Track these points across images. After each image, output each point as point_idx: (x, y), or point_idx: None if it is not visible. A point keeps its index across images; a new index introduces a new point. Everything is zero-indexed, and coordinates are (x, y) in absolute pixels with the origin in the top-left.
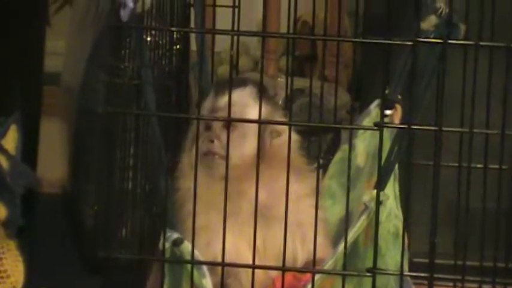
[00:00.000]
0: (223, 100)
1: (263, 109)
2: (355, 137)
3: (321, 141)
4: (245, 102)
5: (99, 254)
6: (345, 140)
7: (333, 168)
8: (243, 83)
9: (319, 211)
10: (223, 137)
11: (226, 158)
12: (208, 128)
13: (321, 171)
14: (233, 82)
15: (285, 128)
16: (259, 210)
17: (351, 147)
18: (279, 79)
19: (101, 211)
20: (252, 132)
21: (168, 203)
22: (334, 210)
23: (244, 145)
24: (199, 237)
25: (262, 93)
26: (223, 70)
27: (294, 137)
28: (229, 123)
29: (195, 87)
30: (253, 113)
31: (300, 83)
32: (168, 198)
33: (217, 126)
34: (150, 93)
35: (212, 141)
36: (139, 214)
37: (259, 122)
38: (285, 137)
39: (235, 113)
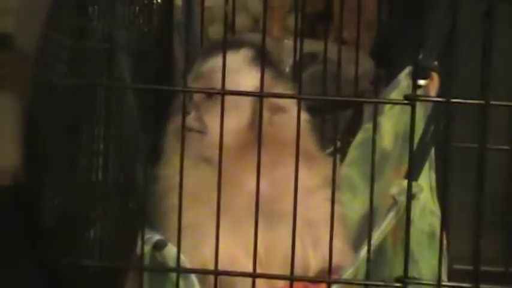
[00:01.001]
0: (208, 65)
1: (251, 76)
2: (380, 114)
3: (337, 120)
4: (235, 68)
5: (62, 260)
6: (368, 117)
7: (352, 153)
8: (236, 44)
9: (335, 206)
10: (204, 107)
11: (221, 139)
12: (190, 98)
13: (338, 156)
14: (225, 44)
15: (292, 103)
16: (260, 205)
17: (376, 127)
18: (285, 41)
19: (63, 207)
20: (242, 104)
21: (147, 197)
22: (354, 206)
23: (231, 119)
24: (186, 239)
25: (263, 58)
26: (215, 30)
27: (303, 115)
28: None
29: (181, 52)
30: (245, 83)
31: (311, 46)
32: (147, 190)
33: (199, 97)
34: (124, 61)
35: (188, 113)
36: (111, 210)
37: (260, 95)
38: (292, 113)
39: (220, 82)
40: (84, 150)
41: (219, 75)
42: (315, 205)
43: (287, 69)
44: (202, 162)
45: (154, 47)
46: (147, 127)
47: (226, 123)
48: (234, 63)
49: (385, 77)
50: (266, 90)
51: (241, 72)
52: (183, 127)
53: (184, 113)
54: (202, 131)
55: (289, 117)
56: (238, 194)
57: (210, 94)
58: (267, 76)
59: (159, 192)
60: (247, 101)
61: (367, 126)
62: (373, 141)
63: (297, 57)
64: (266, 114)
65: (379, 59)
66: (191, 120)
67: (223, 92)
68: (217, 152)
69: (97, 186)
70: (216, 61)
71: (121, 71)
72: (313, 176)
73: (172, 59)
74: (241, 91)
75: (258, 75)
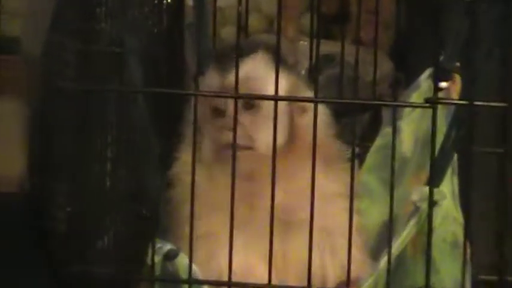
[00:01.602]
0: (233, 75)
1: (284, 82)
2: (400, 118)
3: (355, 124)
4: (261, 74)
5: (73, 267)
6: (386, 121)
7: (371, 158)
8: (252, 47)
9: (354, 215)
10: (246, 121)
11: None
12: (218, 112)
13: (356, 162)
14: (240, 48)
15: (310, 104)
16: (276, 215)
17: (395, 131)
18: (300, 43)
19: (74, 214)
20: (280, 112)
21: (159, 205)
22: (373, 214)
23: (272, 130)
24: (200, 249)
25: (280, 62)
26: (228, 32)
27: (324, 118)
28: (248, 104)
29: (192, 54)
30: (273, 88)
31: (328, 47)
32: (160, 198)
33: (232, 108)
34: (134, 64)
35: (236, 131)
36: (123, 218)
37: (275, 98)
38: (311, 114)
39: (251, 91)
40: (95, 156)
41: (249, 84)
42: (333, 213)
43: (303, 72)
44: (245, 177)
45: (165, 50)
46: (159, 132)
47: (269, 135)
48: (257, 70)
49: (404, 79)
50: (292, 93)
51: (267, 78)
52: (195, 133)
53: (196, 118)
54: (251, 147)
55: (308, 119)
56: (259, 204)
57: (248, 106)
58: (289, 78)
59: (173, 200)
60: (284, 111)
61: (386, 130)
62: (393, 146)
63: (313, 60)
64: (292, 116)
65: (398, 60)
66: (239, 137)
67: (237, 96)
68: (264, 165)
69: (108, 193)
70: (247, 68)
71: (131, 75)
72: (332, 183)
73: (183, 62)
74: (255, 94)
75: (285, 80)
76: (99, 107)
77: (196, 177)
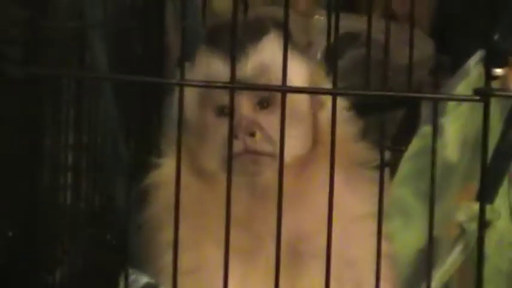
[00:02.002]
0: (253, 61)
1: (304, 71)
2: (443, 114)
3: (385, 122)
4: (280, 62)
5: None
6: (426, 118)
7: (405, 166)
8: (261, 27)
9: (383, 240)
10: (267, 123)
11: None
12: (225, 112)
13: (386, 171)
14: (243, 25)
15: (328, 96)
16: (288, 242)
17: (437, 131)
18: (315, 18)
19: (19, 240)
20: (303, 109)
21: (131, 227)
22: (408, 237)
23: (299, 132)
24: (185, 285)
25: (290, 42)
26: (221, 3)
27: (343, 111)
28: (263, 101)
29: (176, 31)
30: (296, 79)
31: (351, 23)
32: (132, 218)
33: (247, 107)
34: (99, 44)
35: (253, 134)
36: (83, 244)
37: (282, 90)
38: (329, 110)
39: (272, 82)
40: (48, 163)
41: (275, 73)
42: (357, 239)
43: (318, 55)
44: (264, 192)
45: (140, 25)
46: (132, 133)
47: (293, 139)
48: (275, 55)
49: (449, 64)
50: (312, 84)
51: (290, 67)
52: (179, 132)
53: (181, 115)
54: (273, 154)
55: (328, 116)
56: (270, 228)
57: (264, 103)
58: (312, 67)
59: (150, 221)
60: (305, 106)
61: (425, 130)
62: (433, 150)
63: (332, 39)
64: (315, 114)
65: (441, 40)
66: (260, 142)
67: (233, 86)
68: (286, 178)
69: (65, 213)
70: (261, 54)
71: (95, 58)
72: (355, 199)
73: (164, 41)
74: (253, 84)
75: (305, 69)
76: (53, 98)
77: (186, 193)
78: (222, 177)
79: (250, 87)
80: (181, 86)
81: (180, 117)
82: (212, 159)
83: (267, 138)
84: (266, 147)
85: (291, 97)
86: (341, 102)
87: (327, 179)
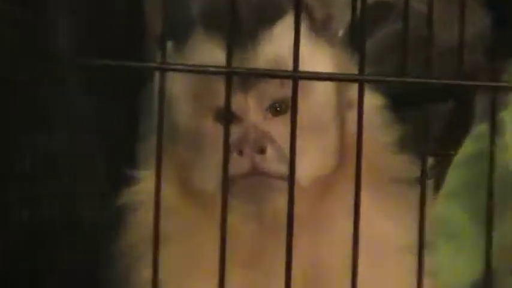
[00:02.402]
0: (261, 53)
1: (328, 59)
2: (504, 108)
3: (428, 119)
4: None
5: None
6: (481, 114)
7: (455, 175)
8: (274, 5)
9: (425, 278)
10: (282, 135)
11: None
12: (228, 118)
13: (429, 183)
14: (252, 4)
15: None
16: (303, 284)
17: (495, 130)
18: None
19: None
20: (327, 114)
21: (104, 255)
22: (459, 266)
23: (321, 145)
24: None
25: (298, 17)
26: None
27: (374, 106)
28: (276, 106)
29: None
30: (321, 68)
31: None
32: (106, 244)
33: (256, 113)
34: (61, 23)
35: (263, 151)
36: (45, 270)
37: (294, 76)
38: (366, 107)
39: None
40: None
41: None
42: (391, 278)
43: (340, 33)
44: (274, 224)
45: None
46: (104, 132)
47: (314, 157)
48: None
49: (511, 43)
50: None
51: (312, 56)
52: (160, 130)
53: (162, 108)
54: (287, 177)
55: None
56: (277, 268)
57: (277, 109)
58: (338, 55)
59: (125, 252)
60: (331, 114)
61: (480, 129)
62: (491, 155)
63: (358, 11)
64: (337, 115)
65: (500, 13)
66: (271, 161)
67: (229, 71)
68: (302, 205)
69: (21, 232)
70: (277, 41)
71: (57, 40)
72: (390, 227)
73: (142, 19)
74: (253, 69)
75: (329, 57)
76: (5, 93)
77: (174, 219)
78: (216, 202)
79: (250, 72)
80: (163, 71)
81: (160, 113)
82: (210, 178)
83: (280, 155)
84: (279, 168)
85: (310, 98)
86: (373, 99)
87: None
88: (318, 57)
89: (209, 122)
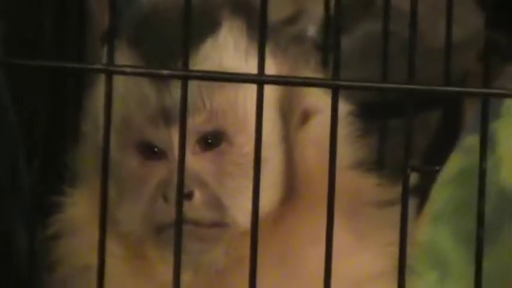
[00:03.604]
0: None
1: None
2: (495, 118)
3: (411, 130)
4: (235, 66)
5: None
6: (471, 125)
7: (441, 194)
8: (207, 15)
9: None
10: (208, 174)
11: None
12: (153, 154)
13: (412, 203)
14: (178, 14)
15: (324, 100)
16: None
17: (486, 144)
18: None
19: None
20: (270, 145)
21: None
22: None
23: (264, 180)
24: None
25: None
26: None
27: (345, 118)
28: (208, 138)
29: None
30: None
31: None
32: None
33: (186, 147)
34: None
35: (190, 196)
36: None
37: (260, 80)
38: (324, 118)
39: (222, 103)
40: None
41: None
42: None
43: (310, 32)
44: (159, 260)
45: None
46: (34, 144)
47: (243, 197)
48: (228, 59)
49: (505, 46)
50: (287, 91)
51: (246, 65)
52: (106, 141)
53: (109, 118)
54: (222, 224)
55: (320, 125)
56: None
57: (208, 141)
58: (283, 63)
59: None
60: (273, 143)
61: (470, 142)
62: (481, 172)
63: (332, 8)
64: (293, 124)
65: (493, 13)
66: (201, 207)
67: (185, 74)
68: (244, 250)
69: None
70: (213, 61)
71: None
72: (361, 254)
73: (84, 12)
74: (214, 72)
75: (273, 67)
76: None
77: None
78: (153, 252)
79: (208, 76)
80: (109, 74)
81: (107, 122)
82: (138, 224)
83: (211, 198)
84: (210, 215)
85: (248, 130)
86: (340, 106)
87: (318, 231)
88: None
89: (135, 159)
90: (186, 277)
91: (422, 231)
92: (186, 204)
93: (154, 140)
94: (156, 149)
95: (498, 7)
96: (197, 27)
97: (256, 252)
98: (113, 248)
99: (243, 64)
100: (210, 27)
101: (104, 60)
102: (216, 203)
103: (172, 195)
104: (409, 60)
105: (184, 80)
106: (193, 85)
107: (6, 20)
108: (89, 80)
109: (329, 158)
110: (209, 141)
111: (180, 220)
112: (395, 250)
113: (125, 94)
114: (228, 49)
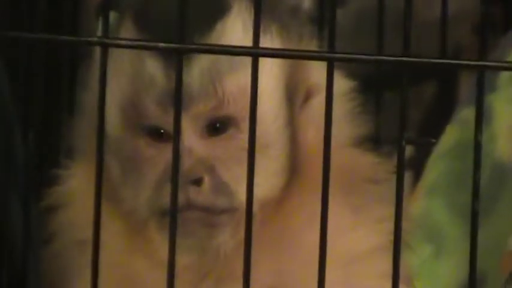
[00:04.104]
0: (199, 60)
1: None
2: (491, 91)
3: (406, 103)
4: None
5: None
6: (466, 98)
7: (437, 167)
8: (219, 3)
9: (401, 284)
10: (222, 159)
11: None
12: (160, 136)
13: (408, 175)
14: None
15: (320, 79)
16: None
17: (481, 116)
18: None
19: None
20: (276, 128)
21: (28, 263)
22: (441, 270)
23: (270, 163)
24: None
25: None
26: None
27: (343, 93)
28: (214, 123)
29: None
30: (266, 67)
31: None
32: (33, 252)
33: (191, 134)
34: None
35: (199, 182)
36: None
37: (254, 53)
38: (322, 98)
39: (236, 85)
40: None
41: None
42: (360, 282)
43: (305, 4)
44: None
45: None
46: (26, 125)
47: (261, 181)
48: (239, 41)
49: (500, 19)
50: (293, 67)
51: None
52: (101, 122)
53: (103, 93)
54: (231, 209)
55: (321, 110)
56: None
57: (215, 126)
58: (287, 37)
59: (53, 262)
60: (279, 126)
61: (465, 115)
62: (477, 144)
63: None
64: (297, 104)
65: None
66: (210, 193)
67: (181, 47)
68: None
69: None
70: (228, 37)
71: None
72: (357, 229)
73: None
74: (212, 45)
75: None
76: None
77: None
78: (156, 234)
79: (205, 48)
80: (105, 47)
81: (101, 97)
82: (142, 205)
83: (220, 185)
84: (220, 201)
85: (259, 119)
86: (340, 82)
87: (316, 211)
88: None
89: (142, 139)
90: (190, 260)
91: (417, 204)
92: (195, 190)
93: (161, 122)
94: (162, 131)
95: None
96: (207, 10)
97: (251, 241)
98: (115, 224)
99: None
100: (220, 9)
101: (99, 32)
102: (225, 189)
103: (181, 180)
104: (404, 32)
105: (179, 53)
106: (204, 71)
107: None
108: (85, 52)
109: (324, 134)
110: (217, 125)
111: (175, 211)
112: (390, 225)
113: (132, 75)
114: (238, 31)
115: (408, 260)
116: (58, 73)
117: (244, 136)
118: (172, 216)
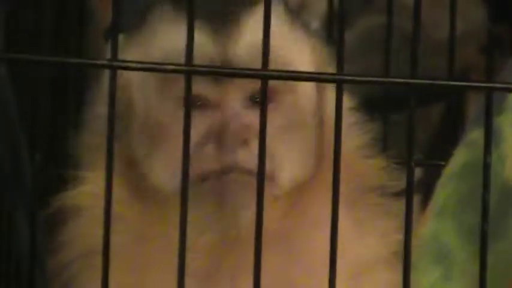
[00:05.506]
0: (243, 39)
1: (308, 53)
2: (500, 113)
3: (414, 125)
4: (283, 42)
5: None
6: (475, 119)
7: (445, 189)
8: None
9: None
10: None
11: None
12: (199, 104)
13: (416, 198)
14: None
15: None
16: None
17: (490, 139)
18: None
19: None
20: (310, 112)
21: (36, 267)
22: None
23: (304, 142)
24: None
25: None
26: None
27: (349, 110)
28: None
29: None
30: (301, 60)
31: None
32: (39, 260)
33: (236, 102)
34: None
35: (247, 143)
36: None
37: (263, 74)
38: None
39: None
40: None
41: (280, 56)
42: None
43: (314, 24)
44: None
45: None
46: (37, 139)
47: (300, 156)
48: (275, 33)
49: (509, 39)
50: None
51: (294, 47)
52: (111, 135)
53: (113, 111)
54: (272, 177)
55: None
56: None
57: (256, 101)
58: (317, 48)
59: (64, 268)
60: (312, 111)
61: (474, 137)
62: (486, 166)
63: (335, 1)
64: (317, 113)
65: (497, 6)
66: (254, 156)
67: (189, 69)
68: (280, 212)
69: None
70: (254, 32)
71: None
72: (362, 239)
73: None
74: (217, 67)
75: (309, 49)
76: None
77: (122, 226)
78: (175, 210)
79: (212, 71)
80: (114, 69)
81: (111, 113)
82: (169, 175)
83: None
84: (254, 164)
85: (294, 90)
86: (345, 100)
87: (324, 214)
88: (305, 57)
89: (172, 110)
90: (207, 239)
91: (426, 226)
92: (242, 152)
93: (202, 91)
94: (199, 103)
95: (500, 1)
96: (236, 4)
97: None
98: (134, 207)
99: (282, 41)
100: (248, 4)
101: (108, 54)
102: (268, 156)
103: (228, 142)
104: (412, 54)
105: (188, 75)
106: (251, 45)
107: (7, 13)
108: (92, 71)
109: (333, 152)
110: (258, 99)
111: (185, 189)
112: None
113: (179, 46)
114: (277, 22)
115: (416, 281)
116: (64, 90)
117: (285, 110)
118: (183, 195)
